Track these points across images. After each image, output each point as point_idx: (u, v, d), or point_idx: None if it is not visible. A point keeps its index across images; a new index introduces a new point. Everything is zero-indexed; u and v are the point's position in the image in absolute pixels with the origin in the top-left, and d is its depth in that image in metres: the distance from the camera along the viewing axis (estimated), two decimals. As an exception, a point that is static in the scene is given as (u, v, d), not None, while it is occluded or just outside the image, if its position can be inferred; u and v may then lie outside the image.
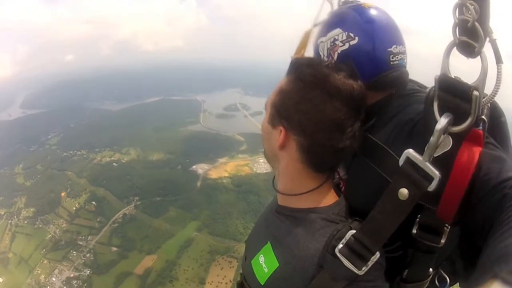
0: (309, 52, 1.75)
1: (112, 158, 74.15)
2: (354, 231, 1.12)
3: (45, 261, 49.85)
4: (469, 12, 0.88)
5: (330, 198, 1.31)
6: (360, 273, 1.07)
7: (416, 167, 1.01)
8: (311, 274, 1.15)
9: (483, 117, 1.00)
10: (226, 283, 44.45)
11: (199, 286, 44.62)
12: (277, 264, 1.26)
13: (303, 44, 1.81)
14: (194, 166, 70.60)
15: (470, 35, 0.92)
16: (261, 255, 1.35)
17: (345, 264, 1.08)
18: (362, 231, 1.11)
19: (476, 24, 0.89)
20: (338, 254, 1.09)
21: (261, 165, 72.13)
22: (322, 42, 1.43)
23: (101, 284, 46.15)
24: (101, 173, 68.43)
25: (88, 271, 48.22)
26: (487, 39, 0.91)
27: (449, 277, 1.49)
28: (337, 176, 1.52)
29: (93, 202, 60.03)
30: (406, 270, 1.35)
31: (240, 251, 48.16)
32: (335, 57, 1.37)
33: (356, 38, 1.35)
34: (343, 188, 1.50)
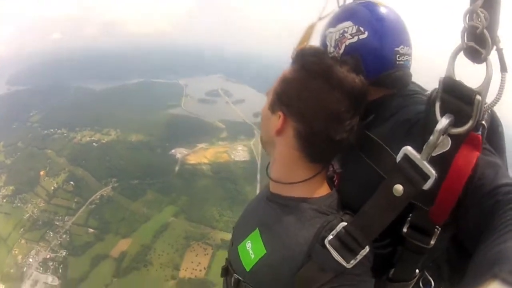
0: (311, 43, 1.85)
1: (93, 138, 72.68)
2: (345, 224, 1.13)
3: (23, 241, 49.66)
4: (479, 19, 0.90)
5: (322, 190, 1.35)
6: (348, 266, 1.08)
7: (413, 165, 1.02)
8: (299, 263, 1.16)
9: (483, 122, 1.02)
10: (200, 270, 45.23)
11: (174, 271, 45.23)
12: (264, 251, 1.28)
13: (306, 37, 1.87)
14: (173, 150, 70.44)
15: (478, 41, 0.93)
16: (249, 241, 1.38)
17: (334, 256, 1.08)
18: (353, 224, 1.12)
19: (485, 31, 0.91)
20: (327, 245, 1.10)
21: (240, 153, 73.67)
22: (330, 32, 1.44)
23: (76, 266, 46.29)
24: (81, 152, 67.29)
25: (64, 253, 48.28)
26: (494, 47, 0.93)
27: (433, 280, 1.48)
28: (331, 169, 1.55)
29: (71, 182, 59.31)
30: (393, 269, 1.38)
31: (215, 238, 49.61)
32: (342, 48, 1.41)
33: (366, 33, 1.39)
34: (336, 181, 1.52)
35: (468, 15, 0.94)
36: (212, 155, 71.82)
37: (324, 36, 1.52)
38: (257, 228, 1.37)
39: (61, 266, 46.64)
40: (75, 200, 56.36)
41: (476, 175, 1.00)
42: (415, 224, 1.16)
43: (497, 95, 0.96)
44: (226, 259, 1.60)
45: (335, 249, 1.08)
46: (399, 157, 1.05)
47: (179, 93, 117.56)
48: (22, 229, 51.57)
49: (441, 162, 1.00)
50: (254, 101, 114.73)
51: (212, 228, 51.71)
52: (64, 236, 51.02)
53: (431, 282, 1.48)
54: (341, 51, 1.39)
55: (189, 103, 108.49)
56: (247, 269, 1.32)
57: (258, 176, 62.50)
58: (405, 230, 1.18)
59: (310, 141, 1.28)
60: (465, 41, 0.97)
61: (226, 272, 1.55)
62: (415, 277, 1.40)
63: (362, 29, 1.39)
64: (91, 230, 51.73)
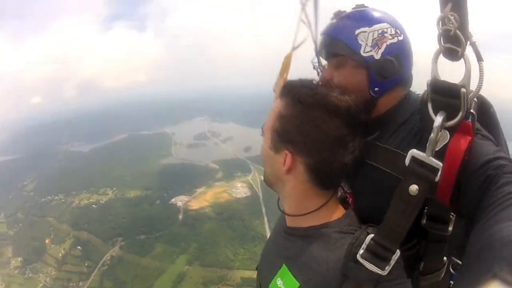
0: (291, 75, 1.86)
1: (91, 200, 71.93)
2: (372, 235, 1.16)
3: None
4: (451, 22, 0.98)
5: (338, 212, 1.37)
6: (384, 273, 1.10)
7: (422, 163, 1.09)
8: (335, 286, 1.17)
9: (471, 110, 1.10)
10: (225, 311, 43.47)
11: (201, 319, 43.22)
12: (297, 284, 1.28)
13: (285, 67, 1.91)
14: (173, 199, 69.58)
15: (453, 41, 1.02)
16: (278, 279, 1.37)
17: (369, 268, 1.11)
18: (380, 233, 1.15)
19: (458, 32, 0.99)
20: (360, 260, 1.12)
21: (240, 190, 73.21)
22: (364, 32, 1.45)
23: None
24: (82, 216, 66.23)
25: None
26: (468, 42, 1.02)
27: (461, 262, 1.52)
28: (342, 191, 1.59)
29: (78, 247, 57.85)
30: (422, 263, 1.45)
31: (235, 277, 48.55)
32: (383, 48, 1.42)
33: (402, 35, 1.46)
34: (350, 200, 1.57)
35: (440, 21, 1.01)
36: (213, 197, 71.11)
37: (353, 35, 1.47)
38: (284, 264, 1.37)
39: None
40: (86, 264, 54.54)
41: (468, 157, 1.08)
42: (431, 215, 1.23)
43: (479, 83, 1.03)
44: None
45: (368, 261, 1.10)
46: (407, 161, 1.12)
47: (168, 142, 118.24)
48: (38, 300, 49.55)
49: (443, 153, 1.07)
50: (242, 137, 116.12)
51: (229, 269, 50.53)
52: (82, 301, 49.10)
53: (459, 264, 1.58)
54: (381, 50, 1.42)
55: (179, 150, 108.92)
56: None
57: (263, 209, 62.46)
58: (424, 222, 1.25)
59: (321, 170, 1.30)
60: (442, 44, 1.05)
61: None
62: (445, 264, 1.48)
63: (398, 31, 1.46)
64: (107, 292, 49.77)
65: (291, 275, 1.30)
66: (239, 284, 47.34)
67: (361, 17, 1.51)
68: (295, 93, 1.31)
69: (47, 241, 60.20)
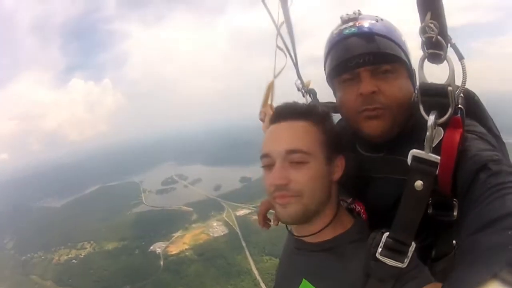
0: (275, 101, 1.87)
1: (70, 256, 70.43)
2: (387, 233, 1.18)
3: None
4: (431, 30, 1.04)
5: (348, 221, 1.40)
6: (404, 265, 1.13)
7: (422, 160, 1.14)
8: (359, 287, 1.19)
9: (460, 106, 1.16)
10: None
11: None
12: None
13: (267, 95, 1.93)
14: (151, 247, 68.91)
15: (436, 46, 1.07)
16: None
17: (389, 263, 1.13)
18: (394, 230, 1.18)
19: (439, 38, 1.05)
20: (380, 258, 1.15)
21: (217, 228, 73.97)
22: (405, 40, 1.43)
23: None
24: (64, 272, 64.66)
25: None
26: (448, 45, 1.08)
27: None
28: (346, 204, 1.55)
29: None
30: (434, 251, 1.50)
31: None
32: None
33: None
34: (362, 210, 1.53)
35: (422, 30, 1.08)
36: (191, 239, 71.06)
37: (402, 39, 1.42)
38: (304, 279, 1.38)
39: None
40: (77, 322, 51.96)
41: (463, 148, 1.15)
42: (436, 204, 1.28)
43: (463, 79, 1.12)
44: None
45: (388, 258, 1.14)
46: (409, 160, 1.18)
47: (137, 191, 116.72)
48: None
49: (439, 148, 1.14)
50: (211, 176, 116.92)
51: (222, 307, 49.76)
52: None
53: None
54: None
55: (149, 197, 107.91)
56: None
57: (243, 243, 63.43)
58: (430, 211, 1.28)
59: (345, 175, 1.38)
60: (426, 50, 1.12)
61: None
62: (455, 247, 1.53)
63: None
64: None
65: (314, 287, 1.34)
66: None
67: (389, 22, 1.46)
68: (317, 113, 1.37)
69: None
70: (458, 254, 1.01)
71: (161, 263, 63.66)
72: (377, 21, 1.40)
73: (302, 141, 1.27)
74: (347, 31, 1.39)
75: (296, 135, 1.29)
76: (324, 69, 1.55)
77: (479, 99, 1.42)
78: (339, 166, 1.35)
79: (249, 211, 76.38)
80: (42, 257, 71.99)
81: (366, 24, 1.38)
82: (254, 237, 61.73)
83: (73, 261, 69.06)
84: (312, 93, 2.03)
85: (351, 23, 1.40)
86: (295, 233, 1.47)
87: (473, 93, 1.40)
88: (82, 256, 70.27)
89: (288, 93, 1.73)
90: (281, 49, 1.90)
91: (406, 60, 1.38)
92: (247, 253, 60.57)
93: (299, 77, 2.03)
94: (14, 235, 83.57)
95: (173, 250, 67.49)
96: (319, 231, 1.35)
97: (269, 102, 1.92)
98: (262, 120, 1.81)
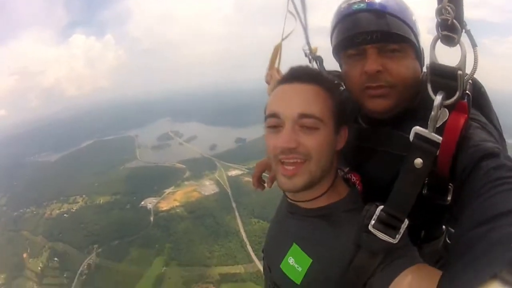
0: (282, 64, 1.95)
1: (62, 210, 70.86)
2: (382, 206, 1.18)
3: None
4: (448, 13, 1.04)
5: (345, 190, 1.43)
6: (395, 241, 1.13)
7: (424, 139, 1.14)
8: (349, 258, 1.21)
9: (467, 92, 1.16)
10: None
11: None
12: (310, 260, 1.32)
13: (274, 57, 1.98)
14: (142, 202, 69.40)
15: (450, 29, 1.07)
16: (290, 257, 1.40)
17: (381, 237, 1.14)
18: (389, 204, 1.18)
19: (454, 21, 1.05)
20: (372, 230, 1.15)
21: (208, 187, 74.31)
22: (415, 20, 1.41)
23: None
24: (55, 226, 65.13)
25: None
26: (463, 30, 1.08)
27: None
28: (342, 173, 1.55)
29: (56, 259, 56.76)
30: (423, 232, 1.54)
31: (213, 274, 49.38)
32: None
33: None
34: (357, 182, 1.53)
35: (438, 12, 1.08)
36: (182, 196, 71.43)
37: (412, 19, 1.41)
38: (294, 243, 1.40)
39: None
40: (65, 275, 53.60)
41: (465, 134, 1.16)
42: (431, 186, 1.28)
43: (473, 66, 1.11)
44: (269, 284, 1.62)
45: (380, 231, 1.15)
46: (411, 137, 1.18)
47: (132, 146, 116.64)
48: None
49: (443, 129, 1.14)
50: (206, 135, 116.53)
51: (207, 266, 51.18)
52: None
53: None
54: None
55: (144, 153, 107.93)
56: (298, 282, 1.34)
57: (234, 204, 63.91)
58: (424, 192, 1.28)
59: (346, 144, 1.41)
60: (440, 31, 1.11)
61: None
62: (443, 233, 1.60)
63: None
64: (89, 301, 49.22)
65: (303, 252, 1.35)
66: (218, 280, 48.19)
67: (402, 1, 1.43)
68: (326, 80, 1.38)
69: (24, 255, 58.62)
70: (455, 245, 0.99)
71: (151, 218, 64.33)
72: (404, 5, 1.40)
73: (316, 107, 1.26)
74: (356, 6, 1.38)
75: (310, 99, 1.28)
76: (331, 42, 1.55)
77: (485, 91, 1.44)
78: (343, 136, 1.37)
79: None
80: (34, 212, 73.29)
81: (377, 0, 1.37)
82: (245, 198, 62.15)
83: (65, 215, 69.66)
84: (318, 60, 1.96)
85: None
86: (290, 197, 1.49)
87: (481, 84, 1.42)
88: (73, 210, 70.89)
89: (295, 62, 1.59)
90: (292, 13, 1.85)
91: (415, 41, 1.39)
92: (237, 214, 61.13)
93: (308, 42, 1.95)
94: (7, 192, 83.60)
95: (164, 206, 67.96)
96: (315, 198, 1.38)
97: (275, 66, 1.93)
98: (268, 82, 1.86)
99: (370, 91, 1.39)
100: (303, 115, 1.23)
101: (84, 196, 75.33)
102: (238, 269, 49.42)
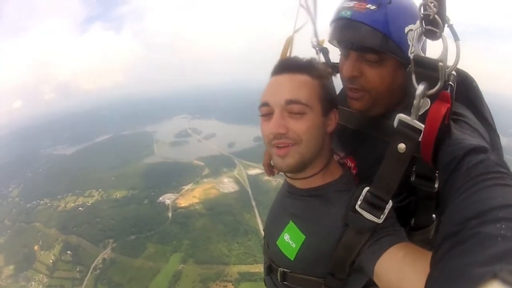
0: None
1: (77, 203, 70.41)
2: (368, 188, 1.28)
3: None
4: (430, 8, 1.10)
5: (338, 171, 1.53)
6: (380, 221, 1.23)
7: (407, 125, 1.20)
8: (338, 235, 1.32)
9: (450, 82, 1.22)
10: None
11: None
12: (304, 236, 1.43)
13: (286, 49, 1.99)
14: (160, 198, 68.53)
15: (433, 24, 1.13)
16: (286, 234, 1.52)
17: (366, 217, 1.24)
18: (374, 186, 1.28)
19: (436, 16, 1.10)
20: (358, 210, 1.26)
21: (227, 185, 73.66)
22: (411, 30, 1.41)
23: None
24: (69, 219, 64.42)
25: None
26: (445, 25, 1.14)
27: None
28: (338, 157, 1.70)
29: (68, 252, 55.98)
30: (413, 219, 1.59)
31: (232, 273, 48.17)
32: (421, 43, 1.38)
33: None
34: (352, 165, 1.67)
35: (422, 7, 1.13)
36: (201, 193, 70.74)
37: (403, 32, 1.40)
38: (290, 221, 1.51)
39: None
40: (77, 269, 52.79)
41: (449, 125, 1.19)
42: (419, 172, 1.35)
43: (456, 58, 1.15)
44: (266, 259, 1.73)
45: (365, 211, 1.24)
46: (395, 123, 1.22)
47: (150, 141, 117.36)
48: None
49: (425, 117, 1.17)
50: (225, 133, 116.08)
51: (225, 264, 49.98)
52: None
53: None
54: (420, 45, 1.31)
55: (161, 149, 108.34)
56: (292, 258, 1.46)
57: (253, 202, 63.03)
58: (412, 179, 1.37)
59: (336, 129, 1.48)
60: (423, 26, 1.16)
61: (270, 269, 1.68)
62: (433, 222, 1.61)
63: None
64: (103, 296, 48.27)
65: (298, 229, 1.46)
66: (237, 279, 46.99)
67: (405, 9, 1.42)
68: (317, 68, 1.44)
69: (36, 247, 58.42)
70: (443, 239, 0.92)
71: (170, 214, 63.37)
72: (380, 6, 1.41)
73: (302, 93, 1.36)
74: (343, 12, 1.45)
75: (296, 86, 1.37)
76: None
77: (477, 86, 1.52)
78: (333, 119, 1.46)
79: (261, 171, 73.98)
80: (48, 204, 72.00)
81: (363, 10, 1.41)
82: (264, 197, 61.03)
83: (80, 208, 69.13)
84: (324, 51, 2.08)
85: (352, 4, 1.44)
86: (288, 177, 1.62)
87: (472, 78, 1.51)
88: (89, 204, 70.45)
89: (305, 54, 1.71)
90: (303, 6, 1.94)
91: (398, 52, 1.42)
92: (256, 212, 59.78)
93: (316, 34, 2.06)
94: (21, 183, 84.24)
95: (182, 202, 67.18)
96: (309, 177, 1.48)
97: (286, 55, 1.98)
98: None
99: (349, 92, 1.55)
100: (290, 101, 1.33)
101: (100, 190, 74.95)
102: (258, 268, 47.31)
